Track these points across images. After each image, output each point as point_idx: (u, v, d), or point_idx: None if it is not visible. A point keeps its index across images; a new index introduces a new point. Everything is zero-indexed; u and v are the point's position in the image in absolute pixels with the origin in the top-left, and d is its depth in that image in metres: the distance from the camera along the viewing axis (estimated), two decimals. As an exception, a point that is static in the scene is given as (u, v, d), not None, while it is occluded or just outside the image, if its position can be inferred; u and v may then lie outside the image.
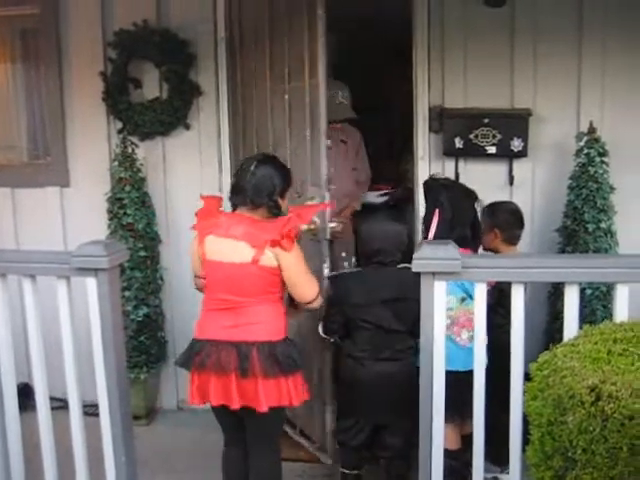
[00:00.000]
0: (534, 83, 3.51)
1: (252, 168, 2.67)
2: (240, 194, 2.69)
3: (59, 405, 3.03)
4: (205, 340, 2.66)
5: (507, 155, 3.56)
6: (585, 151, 3.31)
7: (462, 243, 2.65)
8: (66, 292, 2.69)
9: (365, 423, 2.99)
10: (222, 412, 2.72)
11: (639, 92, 3.40)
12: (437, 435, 2.40)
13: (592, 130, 3.32)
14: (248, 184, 2.66)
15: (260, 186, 2.65)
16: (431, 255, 2.33)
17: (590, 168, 3.29)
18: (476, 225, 3.02)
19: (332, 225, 3.15)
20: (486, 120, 3.53)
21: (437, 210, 2.93)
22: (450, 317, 2.58)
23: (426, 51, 3.59)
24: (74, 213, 4.06)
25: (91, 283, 2.61)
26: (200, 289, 2.82)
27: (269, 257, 2.60)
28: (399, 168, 5.08)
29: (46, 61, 4.03)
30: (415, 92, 3.65)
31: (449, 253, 2.33)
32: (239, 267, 2.61)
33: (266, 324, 2.65)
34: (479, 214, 3.08)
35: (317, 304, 2.73)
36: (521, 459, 2.23)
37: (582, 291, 3.18)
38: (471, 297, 2.68)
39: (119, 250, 2.70)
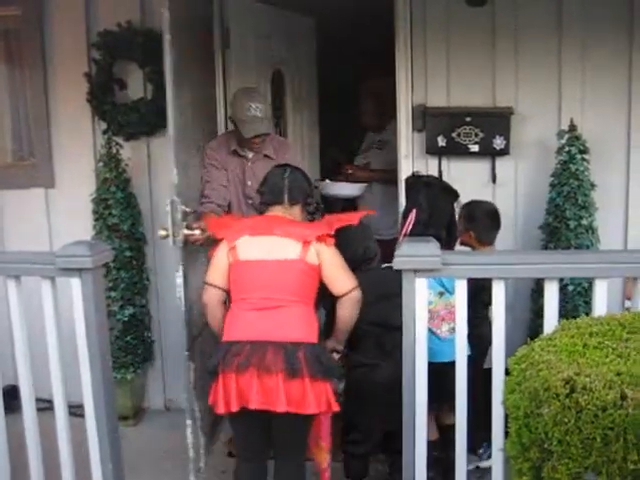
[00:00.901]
0: (515, 81, 3.54)
1: (287, 172, 2.84)
2: (275, 193, 2.80)
3: (46, 406, 3.03)
4: (245, 341, 2.55)
5: (490, 153, 3.59)
6: (566, 149, 3.34)
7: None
8: (51, 292, 2.70)
9: (377, 431, 2.97)
10: (247, 420, 2.62)
11: (619, 89, 3.43)
12: (420, 429, 2.43)
13: (573, 128, 3.34)
14: (284, 184, 2.80)
15: (297, 186, 2.82)
16: (412, 252, 2.36)
17: (571, 165, 3.32)
18: (452, 226, 3.05)
19: (186, 232, 3.08)
20: (468, 119, 3.56)
21: (414, 210, 2.95)
22: (430, 311, 2.59)
23: (409, 50, 3.60)
24: (59, 214, 4.06)
25: (75, 283, 2.62)
26: (210, 302, 2.76)
27: (312, 254, 2.64)
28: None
29: (30, 62, 4.02)
30: (398, 91, 3.66)
31: (429, 250, 2.36)
32: (284, 264, 2.63)
33: (308, 326, 2.63)
34: (457, 213, 3.11)
35: (358, 293, 2.70)
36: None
37: (564, 287, 3.22)
38: (449, 291, 2.71)
39: (103, 250, 2.71)
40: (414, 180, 3.17)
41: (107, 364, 2.73)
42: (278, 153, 3.39)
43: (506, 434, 1.84)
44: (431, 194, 2.97)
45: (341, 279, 2.68)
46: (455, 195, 3.09)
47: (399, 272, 2.35)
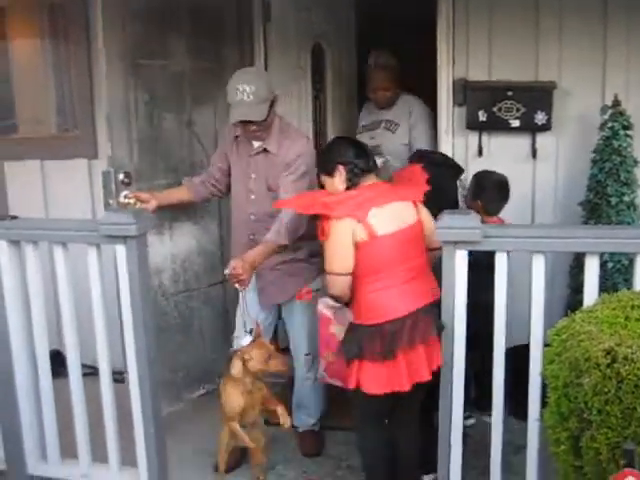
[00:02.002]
0: (559, 56, 3.49)
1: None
2: (370, 159, 2.70)
3: (89, 372, 3.13)
4: (406, 316, 2.48)
5: (531, 128, 3.55)
6: (609, 124, 3.29)
7: None
8: (96, 259, 2.78)
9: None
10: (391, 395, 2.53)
11: (665, 65, 3.37)
12: (457, 406, 2.47)
13: (617, 103, 3.30)
14: (367, 151, 2.74)
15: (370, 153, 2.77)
16: (452, 224, 2.37)
17: (614, 141, 3.27)
18: (455, 203, 3.07)
19: (123, 200, 3.22)
20: (510, 93, 3.52)
21: None
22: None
23: (450, 24, 3.58)
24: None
25: (120, 250, 2.69)
26: (343, 292, 2.59)
27: (419, 212, 2.64)
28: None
29: (74, 38, 4.07)
30: (439, 65, 3.65)
31: (470, 222, 2.38)
32: (413, 228, 2.58)
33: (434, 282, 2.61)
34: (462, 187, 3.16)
35: None
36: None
37: (604, 264, 3.19)
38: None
39: (147, 218, 2.78)
40: (418, 158, 3.13)
41: (150, 329, 2.80)
42: (281, 149, 3.04)
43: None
44: (438, 174, 2.87)
45: (435, 233, 2.51)
46: (459, 171, 3.08)
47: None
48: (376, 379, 2.47)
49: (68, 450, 3.03)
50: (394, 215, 2.56)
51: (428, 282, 2.59)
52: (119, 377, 3.07)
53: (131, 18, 3.49)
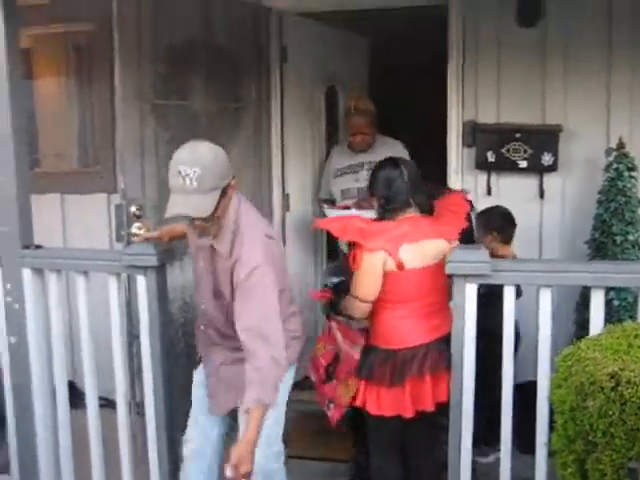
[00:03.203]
0: (565, 100, 3.64)
1: (405, 172, 2.72)
2: (402, 198, 2.70)
3: (101, 404, 3.18)
4: (418, 346, 2.63)
5: (538, 169, 3.70)
6: (614, 166, 3.41)
7: None
8: (116, 288, 2.86)
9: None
10: (398, 421, 2.66)
11: (667, 109, 3.51)
12: (466, 439, 2.52)
13: (621, 145, 3.42)
14: (405, 185, 2.70)
15: (416, 183, 2.73)
16: (462, 258, 2.46)
17: (619, 182, 3.39)
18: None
19: (135, 232, 3.29)
20: (518, 135, 3.67)
21: None
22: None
23: (460, 67, 3.75)
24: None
25: (140, 280, 2.78)
26: (363, 316, 2.73)
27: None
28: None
29: (99, 76, 4.23)
30: (449, 107, 3.80)
31: (480, 256, 2.46)
32: (440, 266, 2.57)
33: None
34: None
35: None
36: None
37: (610, 302, 3.27)
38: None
39: (167, 249, 2.87)
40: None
41: (168, 359, 2.85)
42: (233, 251, 2.39)
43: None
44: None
45: None
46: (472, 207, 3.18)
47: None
48: (381, 402, 2.61)
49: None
50: (425, 252, 2.67)
51: (445, 317, 2.68)
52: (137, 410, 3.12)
53: (151, 58, 3.67)
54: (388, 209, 2.72)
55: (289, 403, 2.68)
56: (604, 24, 3.55)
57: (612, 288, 3.12)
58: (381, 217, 2.76)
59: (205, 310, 2.62)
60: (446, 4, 3.76)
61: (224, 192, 2.34)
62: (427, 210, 2.77)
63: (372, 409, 2.65)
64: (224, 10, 3.76)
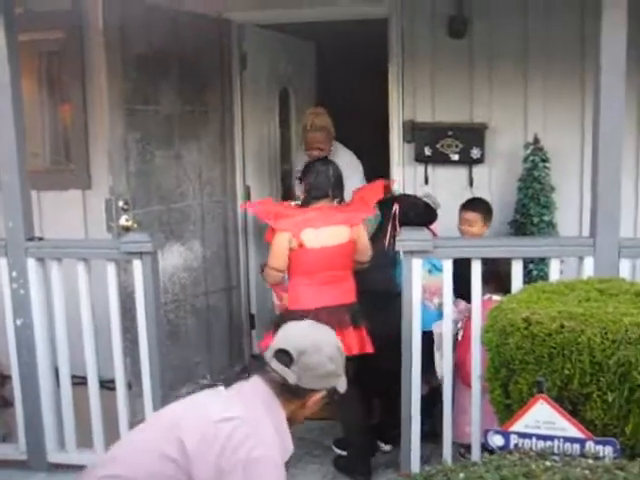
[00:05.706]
0: (489, 101, 4.21)
1: (331, 171, 3.38)
2: (322, 190, 3.35)
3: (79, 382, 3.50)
4: (321, 308, 3.21)
5: (468, 162, 4.26)
6: (531, 158, 4.00)
7: None
8: (115, 274, 3.29)
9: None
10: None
11: (573, 109, 4.12)
12: (416, 380, 3.09)
13: (536, 141, 4.02)
14: (329, 181, 3.35)
15: (338, 183, 3.40)
16: (409, 237, 3.02)
17: (535, 172, 3.98)
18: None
19: (123, 223, 3.69)
20: (450, 132, 4.22)
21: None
22: (422, 286, 3.24)
23: (400, 73, 4.27)
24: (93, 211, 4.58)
25: (137, 265, 3.23)
26: (274, 283, 3.44)
27: (354, 232, 3.32)
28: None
29: (70, 81, 4.60)
30: (390, 106, 4.33)
31: (423, 236, 3.03)
32: (342, 246, 3.29)
33: (354, 290, 3.38)
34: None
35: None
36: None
37: (530, 272, 3.89)
38: (436, 268, 3.33)
39: (158, 238, 3.34)
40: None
41: (162, 337, 3.28)
42: None
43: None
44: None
45: (368, 249, 3.41)
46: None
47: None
48: None
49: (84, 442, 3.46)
50: (324, 235, 3.27)
51: (347, 289, 3.35)
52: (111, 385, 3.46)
53: (122, 67, 4.02)
54: (310, 196, 3.37)
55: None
56: (521, 39, 4.12)
57: (531, 261, 3.75)
58: (304, 202, 3.42)
59: None
60: (386, 17, 4.28)
61: None
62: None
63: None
64: (190, 22, 4.19)
